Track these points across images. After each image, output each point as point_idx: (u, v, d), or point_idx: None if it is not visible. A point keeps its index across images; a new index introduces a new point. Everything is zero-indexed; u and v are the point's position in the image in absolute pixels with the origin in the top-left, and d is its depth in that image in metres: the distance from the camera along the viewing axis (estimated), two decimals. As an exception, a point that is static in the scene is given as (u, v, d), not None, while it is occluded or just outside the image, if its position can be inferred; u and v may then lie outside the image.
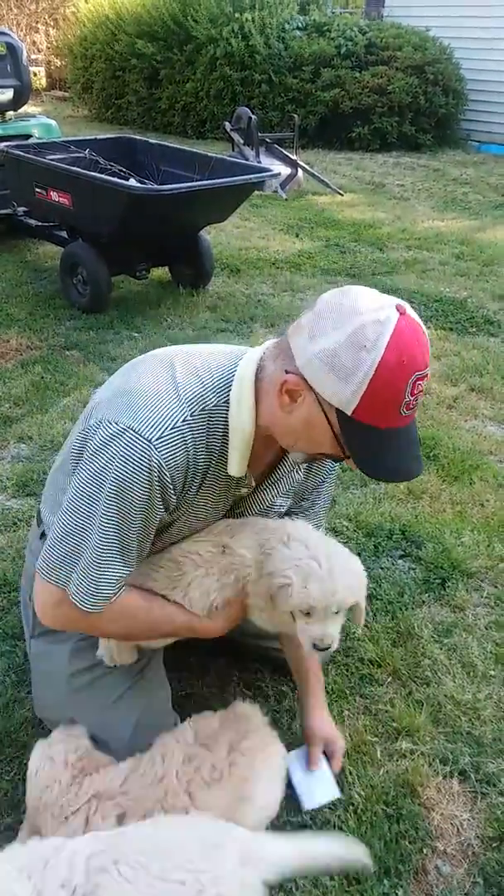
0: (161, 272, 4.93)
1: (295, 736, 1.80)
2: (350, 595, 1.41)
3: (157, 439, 1.30)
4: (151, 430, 1.31)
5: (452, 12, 10.16)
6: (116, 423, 1.32)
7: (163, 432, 1.31)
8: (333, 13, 11.02)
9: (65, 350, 3.85)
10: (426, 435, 3.12)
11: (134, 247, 4.31)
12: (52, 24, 15.12)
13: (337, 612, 1.41)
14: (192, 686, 1.94)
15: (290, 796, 1.63)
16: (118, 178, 4.30)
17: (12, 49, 4.99)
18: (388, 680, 1.98)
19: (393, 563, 2.41)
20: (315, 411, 1.28)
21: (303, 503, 1.72)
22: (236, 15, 9.89)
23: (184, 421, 1.33)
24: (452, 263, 5.43)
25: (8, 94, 5.05)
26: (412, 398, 1.23)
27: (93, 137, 5.15)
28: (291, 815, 1.63)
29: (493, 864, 1.57)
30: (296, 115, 8.37)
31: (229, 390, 1.37)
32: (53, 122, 5.50)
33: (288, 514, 1.67)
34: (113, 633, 1.51)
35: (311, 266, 5.31)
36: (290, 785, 1.64)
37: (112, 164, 4.62)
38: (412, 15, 10.49)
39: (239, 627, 1.63)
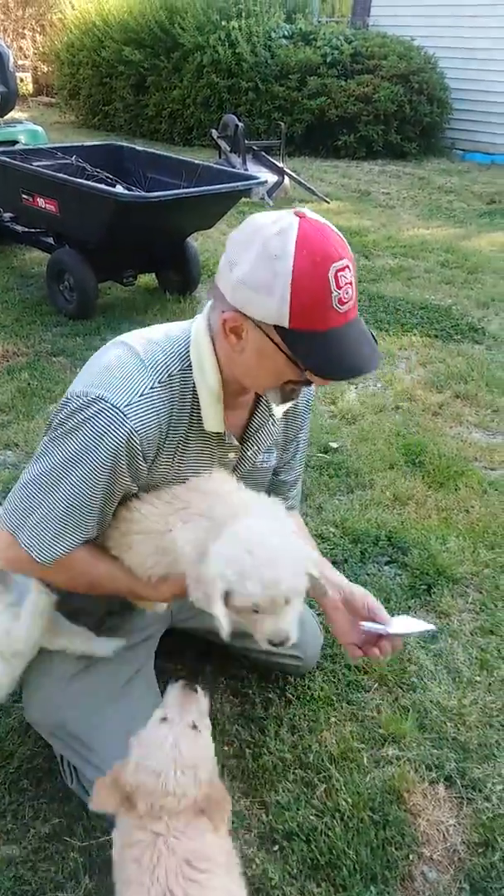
0: (148, 279, 4.93)
1: (282, 742, 1.81)
2: (298, 581, 1.30)
3: (126, 406, 1.33)
4: (121, 397, 1.33)
5: (437, 22, 10.26)
6: (86, 395, 1.35)
7: (131, 399, 1.34)
8: (319, 22, 11.10)
9: (51, 356, 3.85)
10: (412, 441, 3.15)
11: (121, 253, 4.31)
12: (38, 29, 15.13)
13: (288, 603, 1.29)
14: (179, 693, 1.93)
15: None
16: (105, 184, 4.31)
17: (-1, 55, 4.99)
18: (375, 686, 1.99)
19: (379, 570, 2.42)
20: (260, 339, 1.29)
21: (284, 455, 1.73)
22: (223, 23, 9.94)
23: (151, 388, 1.36)
24: (437, 271, 5.48)
25: (-6, 100, 5.05)
26: (341, 291, 1.23)
27: (80, 144, 5.15)
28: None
29: (478, 870, 1.57)
30: (282, 123, 8.41)
31: (188, 353, 1.40)
32: (40, 129, 5.50)
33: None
34: (57, 581, 1.51)
35: (297, 273, 5.33)
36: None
37: (99, 170, 4.62)
38: (397, 24, 10.58)
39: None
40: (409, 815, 1.68)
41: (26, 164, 4.33)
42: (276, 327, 1.25)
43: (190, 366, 1.40)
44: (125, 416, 1.33)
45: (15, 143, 5.18)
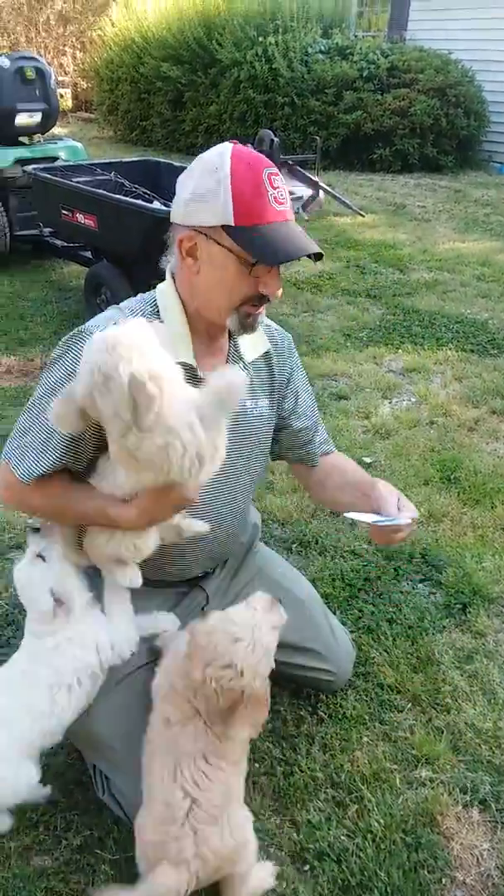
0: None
1: (313, 761, 1.80)
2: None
3: (100, 330, 1.41)
4: (93, 326, 1.47)
5: (474, 35, 10.22)
6: (68, 334, 1.51)
7: (105, 327, 1.44)
8: (356, 37, 11.14)
9: (88, 369, 3.89)
10: (447, 457, 3.12)
11: (157, 267, 4.35)
12: (79, 46, 15.45)
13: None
14: (210, 708, 1.94)
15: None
16: (142, 200, 4.37)
17: (41, 74, 5.10)
18: (408, 706, 1.96)
19: (413, 588, 2.40)
20: (214, 251, 1.42)
21: (285, 403, 1.75)
22: (260, 39, 10.03)
23: (124, 319, 1.46)
24: (473, 285, 5.44)
25: (37, 118, 5.16)
26: (276, 191, 1.39)
27: (118, 160, 5.23)
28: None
29: (513, 897, 1.55)
30: (318, 137, 8.44)
31: (156, 303, 1.54)
32: (80, 145, 5.60)
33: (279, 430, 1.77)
34: (34, 505, 1.55)
35: (331, 287, 5.34)
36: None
37: (136, 186, 4.69)
38: (434, 38, 10.56)
39: None
40: (443, 838, 1.65)
41: (66, 181, 4.42)
42: (224, 228, 1.38)
43: (157, 313, 1.53)
44: None
45: (55, 159, 5.28)
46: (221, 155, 1.40)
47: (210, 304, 1.50)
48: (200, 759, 1.38)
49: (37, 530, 1.55)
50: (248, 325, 1.52)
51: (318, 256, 1.46)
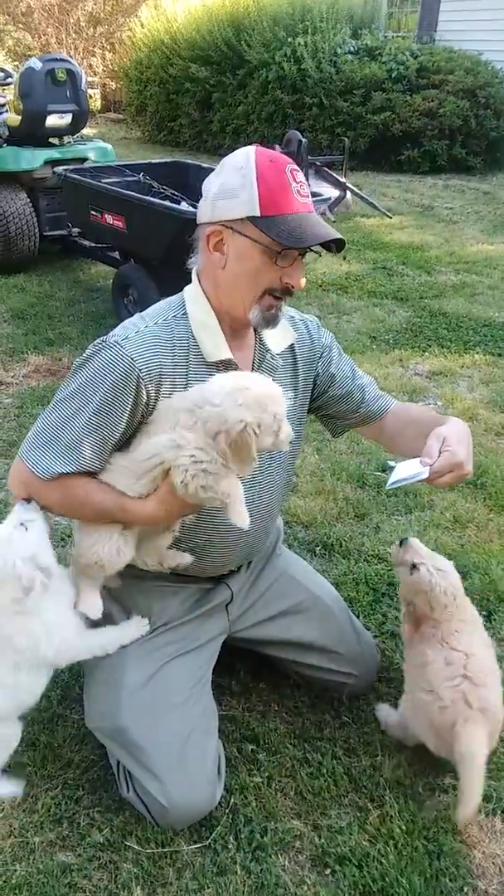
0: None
1: (336, 765, 1.80)
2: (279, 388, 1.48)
3: (123, 339, 1.52)
4: (119, 335, 1.53)
5: (505, 36, 10.13)
6: (93, 343, 1.57)
7: (128, 334, 1.53)
8: (385, 37, 11.09)
9: (114, 369, 3.92)
10: (474, 462, 3.08)
11: (184, 269, 4.37)
12: (108, 48, 15.55)
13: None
14: (232, 708, 1.95)
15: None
16: (170, 201, 4.39)
17: (72, 75, 5.14)
18: (431, 712, 1.95)
19: (437, 593, 2.38)
20: (240, 242, 1.48)
21: (319, 380, 1.78)
22: (289, 39, 10.03)
23: (147, 327, 1.55)
24: (502, 288, 5.39)
25: (67, 119, 5.20)
26: (298, 185, 1.47)
27: (147, 162, 5.27)
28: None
29: (536, 908, 1.53)
30: (346, 138, 8.42)
31: (184, 304, 1.59)
32: (109, 146, 5.64)
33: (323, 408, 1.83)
34: (52, 500, 1.58)
35: (358, 288, 5.33)
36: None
37: (165, 187, 4.71)
38: (464, 39, 10.47)
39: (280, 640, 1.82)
40: (465, 846, 1.64)
41: (96, 182, 4.45)
42: (251, 219, 1.45)
43: (185, 313, 1.57)
44: (122, 347, 1.50)
45: (85, 160, 5.32)
46: (246, 154, 1.48)
47: (234, 298, 1.54)
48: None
49: (28, 501, 1.57)
50: (270, 318, 1.56)
51: (340, 245, 1.51)
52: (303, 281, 1.54)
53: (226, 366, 1.58)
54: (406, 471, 1.57)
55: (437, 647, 1.70)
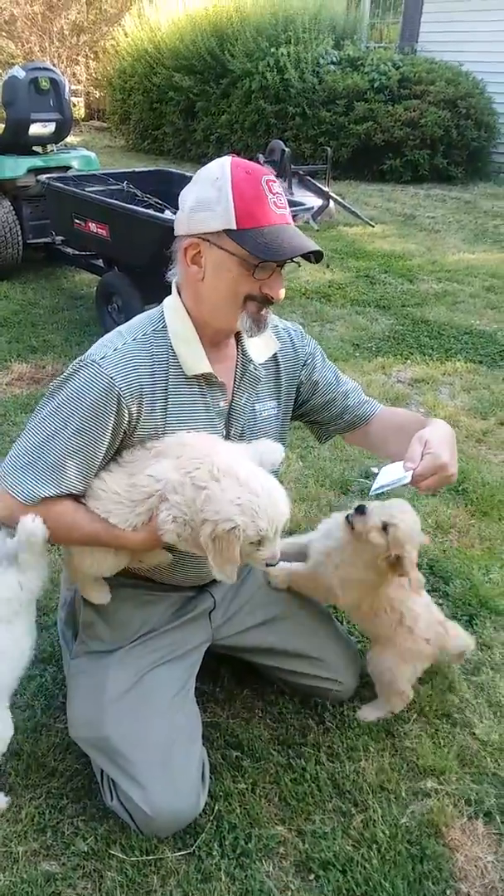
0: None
1: (319, 770, 1.81)
2: (287, 511, 1.47)
3: (101, 358, 1.51)
4: (97, 354, 1.53)
5: (486, 47, 10.25)
6: (73, 362, 1.56)
7: (106, 353, 1.52)
8: (367, 48, 11.20)
9: (98, 377, 3.92)
10: (455, 469, 3.12)
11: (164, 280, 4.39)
12: (92, 56, 15.58)
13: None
14: (216, 715, 1.95)
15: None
16: (154, 210, 4.40)
17: (55, 84, 5.14)
18: (414, 717, 1.97)
19: (420, 598, 2.40)
20: (217, 255, 1.48)
21: (302, 388, 1.79)
22: (272, 49, 10.11)
23: (125, 343, 1.54)
24: (483, 296, 5.45)
25: (50, 128, 5.20)
26: (274, 196, 1.46)
27: (131, 170, 5.27)
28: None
29: (518, 910, 1.55)
30: (328, 148, 8.49)
31: (163, 317, 1.59)
32: (93, 155, 5.65)
33: (309, 413, 1.83)
34: None
35: (340, 296, 5.36)
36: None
37: (148, 196, 4.73)
38: (445, 50, 10.61)
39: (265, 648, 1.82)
40: (447, 849, 1.66)
41: (79, 190, 4.46)
42: (227, 232, 1.44)
43: (164, 327, 1.57)
44: (101, 365, 1.50)
45: (69, 168, 5.33)
46: (221, 165, 1.47)
47: (216, 310, 1.54)
48: None
49: None
50: (259, 321, 1.55)
51: (318, 256, 1.51)
52: (282, 292, 1.54)
53: (206, 379, 1.58)
54: (389, 476, 1.59)
55: (413, 595, 1.85)
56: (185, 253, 1.52)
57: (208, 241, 1.48)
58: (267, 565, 1.50)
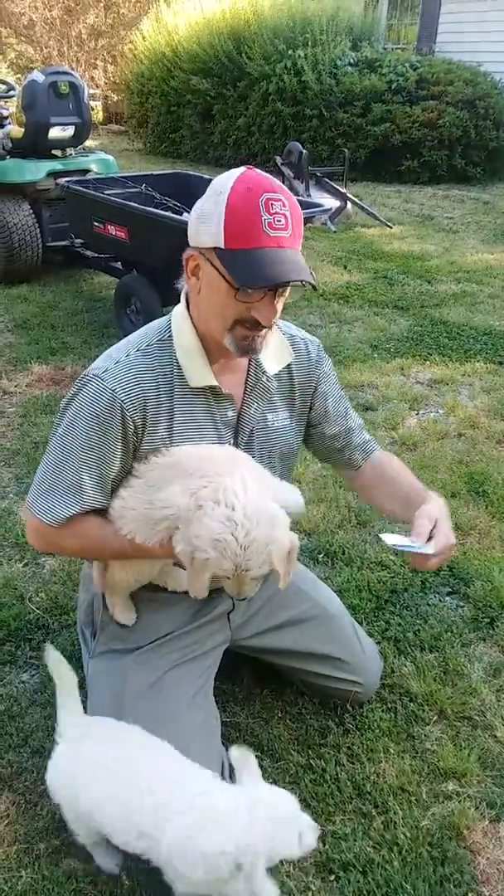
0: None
1: (339, 771, 1.80)
2: (266, 565, 1.42)
3: (104, 371, 1.51)
4: (99, 368, 1.53)
5: (504, 47, 10.23)
6: (79, 377, 1.56)
7: (108, 366, 1.52)
8: (385, 49, 11.18)
9: (117, 378, 3.94)
10: (475, 470, 3.11)
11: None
12: (110, 60, 15.68)
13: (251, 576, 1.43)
14: (236, 715, 1.95)
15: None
16: (173, 212, 4.42)
17: (75, 88, 5.18)
18: (435, 719, 1.96)
19: (440, 601, 2.39)
20: (209, 270, 1.44)
21: (313, 412, 1.77)
22: (289, 52, 10.11)
23: (127, 355, 1.53)
24: (502, 296, 5.42)
25: (70, 132, 5.24)
26: (271, 216, 1.37)
27: (149, 173, 5.30)
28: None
29: (541, 914, 1.53)
30: (346, 149, 8.49)
31: (170, 327, 1.56)
32: (111, 158, 5.68)
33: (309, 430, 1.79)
34: (70, 547, 1.64)
35: (359, 298, 5.35)
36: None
37: (167, 198, 4.75)
38: (464, 51, 10.57)
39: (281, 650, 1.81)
40: (469, 852, 1.65)
41: (98, 193, 4.48)
42: (216, 250, 1.40)
43: (170, 337, 1.55)
44: (103, 380, 1.50)
45: (87, 172, 5.37)
46: (228, 177, 1.41)
47: (209, 324, 1.52)
48: None
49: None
50: (245, 349, 1.51)
51: (310, 283, 1.43)
52: (273, 316, 1.47)
53: (212, 391, 1.57)
54: (402, 540, 1.60)
55: None
56: (188, 263, 1.49)
57: (203, 255, 1.44)
58: (238, 598, 1.50)
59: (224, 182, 1.41)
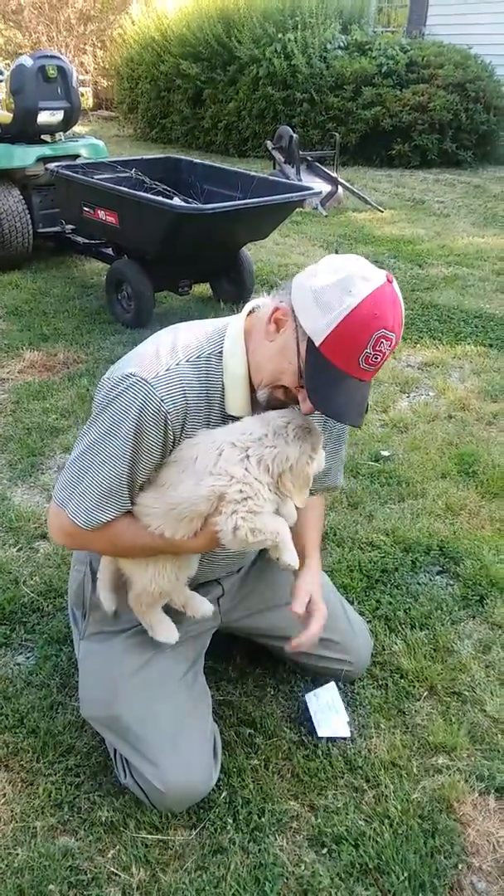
0: (202, 288, 5.01)
1: (331, 746, 1.83)
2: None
3: (153, 378, 1.45)
4: (149, 372, 1.46)
5: (495, 30, 10.16)
6: (121, 373, 1.48)
7: (158, 372, 1.46)
8: (375, 32, 11.10)
9: (109, 363, 3.89)
10: (465, 451, 3.13)
11: (177, 264, 4.40)
12: (99, 45, 15.53)
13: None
14: (229, 693, 1.97)
15: (305, 722, 1.88)
16: (163, 197, 4.41)
17: (63, 72, 5.14)
18: (425, 695, 1.99)
19: (431, 579, 2.42)
20: (291, 340, 1.41)
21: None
22: (279, 35, 10.04)
23: (178, 364, 1.48)
24: (493, 280, 5.42)
25: (59, 116, 5.20)
26: (373, 352, 1.34)
27: (139, 157, 5.27)
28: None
29: (529, 882, 1.56)
30: (337, 133, 8.45)
31: (223, 341, 1.52)
32: (101, 143, 5.64)
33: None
34: (101, 546, 1.63)
35: (350, 282, 5.34)
36: (307, 716, 1.87)
37: (157, 183, 4.73)
38: (454, 33, 10.51)
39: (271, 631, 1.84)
40: (459, 824, 1.67)
41: (88, 178, 4.46)
42: (310, 341, 1.36)
43: (221, 352, 1.51)
44: (152, 386, 1.44)
45: (77, 157, 5.33)
46: (365, 286, 1.32)
47: (259, 369, 1.49)
48: None
49: None
50: (272, 407, 1.51)
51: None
52: (312, 412, 1.45)
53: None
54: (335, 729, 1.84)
55: None
56: (274, 312, 1.43)
57: (297, 326, 1.39)
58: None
59: (358, 287, 1.32)
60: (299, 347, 1.39)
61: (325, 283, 1.34)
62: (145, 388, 1.44)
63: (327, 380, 1.36)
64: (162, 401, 1.44)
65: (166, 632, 1.69)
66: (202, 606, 1.69)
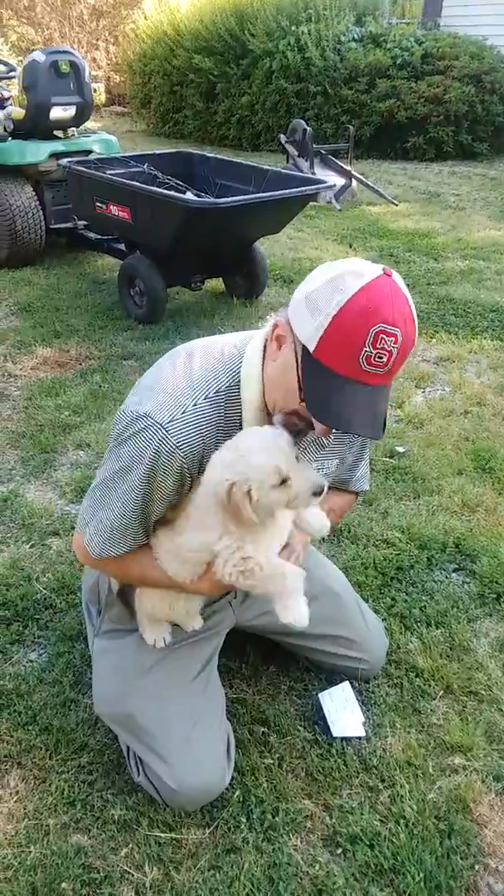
0: (215, 283, 4.99)
1: (346, 746, 1.81)
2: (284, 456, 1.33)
3: (168, 422, 1.40)
4: (164, 413, 1.40)
5: (511, 20, 10.04)
6: (136, 411, 1.43)
7: (174, 415, 1.40)
8: (390, 24, 10.99)
9: (122, 360, 3.94)
10: (482, 447, 3.09)
11: (190, 259, 4.38)
12: (112, 41, 15.49)
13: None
14: (242, 691, 1.96)
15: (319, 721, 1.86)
16: (176, 191, 4.38)
17: (76, 67, 5.12)
18: (441, 694, 1.96)
19: (447, 577, 2.39)
20: (289, 357, 1.32)
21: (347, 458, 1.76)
22: (293, 28, 9.97)
23: (195, 405, 1.41)
24: (509, 273, 5.36)
25: (71, 112, 5.19)
26: (374, 351, 1.22)
27: (151, 152, 5.25)
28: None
29: (547, 885, 1.54)
30: (350, 126, 8.39)
31: (240, 368, 1.44)
32: (113, 138, 5.63)
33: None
34: (112, 571, 1.67)
35: (365, 277, 5.30)
36: (321, 715, 1.85)
37: (170, 178, 4.70)
38: (469, 24, 10.38)
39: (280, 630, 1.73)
40: (475, 825, 1.65)
41: (101, 173, 4.45)
42: (304, 349, 1.28)
43: (239, 382, 1.43)
44: (167, 431, 1.40)
45: (89, 152, 5.31)
46: (355, 281, 1.22)
47: (272, 392, 1.42)
48: None
49: None
50: (289, 431, 1.42)
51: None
52: (329, 434, 1.40)
53: None
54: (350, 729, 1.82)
55: None
56: (274, 329, 1.36)
57: (294, 338, 1.30)
58: (315, 494, 1.34)
59: (348, 282, 1.22)
60: (297, 359, 1.30)
61: (317, 286, 1.25)
62: (160, 434, 1.39)
63: (323, 385, 1.26)
64: (177, 447, 1.40)
65: (155, 633, 1.71)
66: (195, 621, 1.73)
